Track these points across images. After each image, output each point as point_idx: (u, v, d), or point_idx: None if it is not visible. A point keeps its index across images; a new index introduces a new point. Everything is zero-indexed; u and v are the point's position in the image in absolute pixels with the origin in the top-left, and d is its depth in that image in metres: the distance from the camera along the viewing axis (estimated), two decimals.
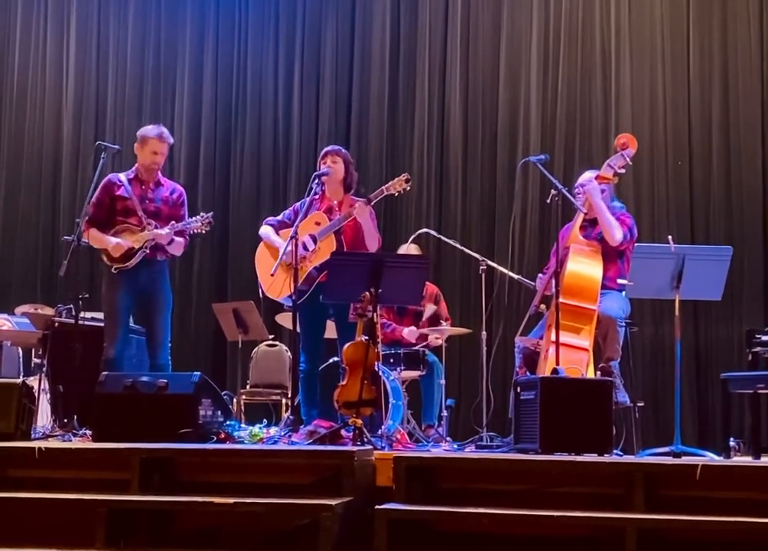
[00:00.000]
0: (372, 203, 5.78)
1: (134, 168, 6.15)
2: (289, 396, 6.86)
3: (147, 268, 5.96)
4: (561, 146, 8.63)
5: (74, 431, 5.60)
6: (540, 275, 6.10)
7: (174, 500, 4.25)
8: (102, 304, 6.06)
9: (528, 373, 5.73)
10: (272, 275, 5.64)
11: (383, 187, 5.82)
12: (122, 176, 6.09)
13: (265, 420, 6.66)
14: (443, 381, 6.91)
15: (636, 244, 5.75)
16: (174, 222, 6.00)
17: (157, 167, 6.10)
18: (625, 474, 4.13)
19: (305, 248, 5.75)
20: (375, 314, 5.32)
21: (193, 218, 6.03)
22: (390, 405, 6.30)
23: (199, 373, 5.40)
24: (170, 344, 6.07)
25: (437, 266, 8.43)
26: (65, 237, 6.19)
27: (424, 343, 7.03)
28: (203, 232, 6.12)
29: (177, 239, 6.01)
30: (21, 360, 7.87)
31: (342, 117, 9.37)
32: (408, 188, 5.86)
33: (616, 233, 5.79)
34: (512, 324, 6.99)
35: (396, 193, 5.87)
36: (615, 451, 4.97)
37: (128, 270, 5.92)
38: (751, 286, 8.05)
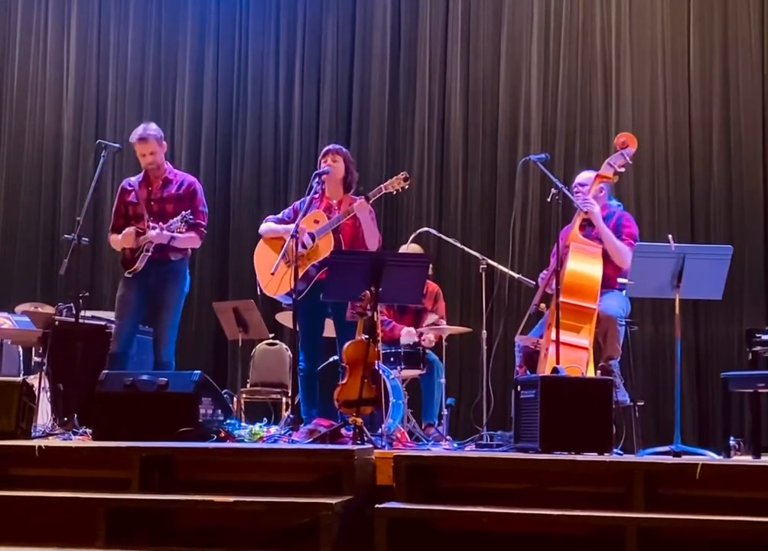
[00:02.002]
0: (371, 202, 5.78)
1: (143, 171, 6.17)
2: (289, 394, 6.86)
3: (157, 268, 5.97)
4: (562, 145, 8.62)
5: (74, 429, 5.60)
6: (542, 275, 6.07)
7: (174, 498, 4.25)
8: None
9: (528, 372, 5.73)
10: (272, 273, 5.64)
11: (382, 186, 5.81)
12: (133, 180, 6.14)
13: (265, 419, 6.66)
14: (443, 380, 6.90)
15: (636, 243, 5.74)
16: (161, 223, 5.91)
17: (155, 167, 6.07)
18: (625, 473, 4.12)
19: (303, 246, 5.75)
20: (375, 313, 5.32)
21: (174, 219, 5.91)
22: (390, 403, 6.31)
23: (199, 371, 5.40)
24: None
25: (437, 265, 8.41)
26: (65, 235, 6.19)
27: (417, 343, 7.00)
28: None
29: (185, 235, 5.96)
30: (21, 358, 7.87)
31: (342, 115, 9.37)
32: (407, 187, 5.85)
33: (626, 259, 5.70)
34: (512, 322, 6.99)
35: (395, 192, 5.87)
36: (615, 450, 4.97)
37: (139, 272, 5.95)
38: (751, 285, 8.04)
